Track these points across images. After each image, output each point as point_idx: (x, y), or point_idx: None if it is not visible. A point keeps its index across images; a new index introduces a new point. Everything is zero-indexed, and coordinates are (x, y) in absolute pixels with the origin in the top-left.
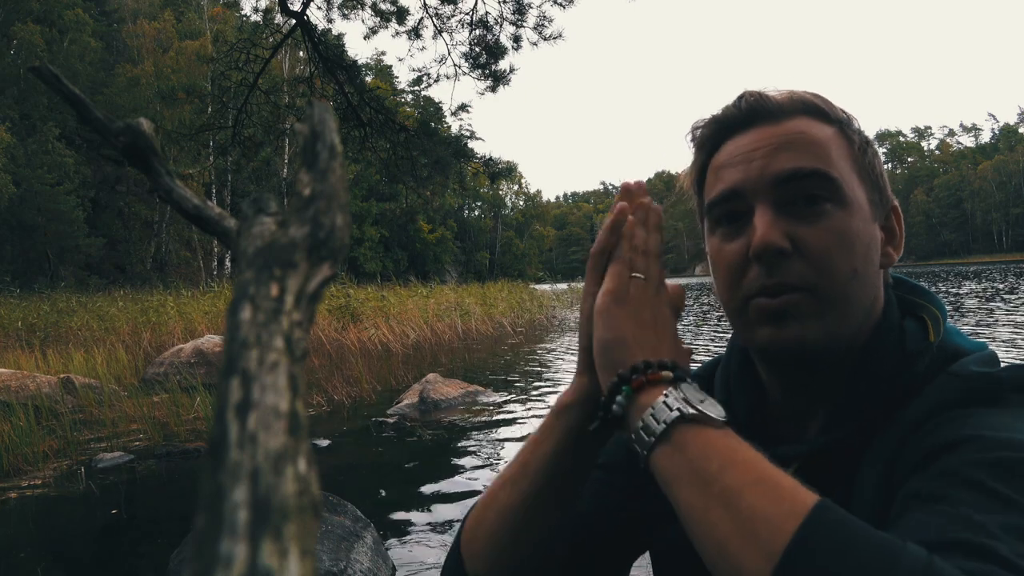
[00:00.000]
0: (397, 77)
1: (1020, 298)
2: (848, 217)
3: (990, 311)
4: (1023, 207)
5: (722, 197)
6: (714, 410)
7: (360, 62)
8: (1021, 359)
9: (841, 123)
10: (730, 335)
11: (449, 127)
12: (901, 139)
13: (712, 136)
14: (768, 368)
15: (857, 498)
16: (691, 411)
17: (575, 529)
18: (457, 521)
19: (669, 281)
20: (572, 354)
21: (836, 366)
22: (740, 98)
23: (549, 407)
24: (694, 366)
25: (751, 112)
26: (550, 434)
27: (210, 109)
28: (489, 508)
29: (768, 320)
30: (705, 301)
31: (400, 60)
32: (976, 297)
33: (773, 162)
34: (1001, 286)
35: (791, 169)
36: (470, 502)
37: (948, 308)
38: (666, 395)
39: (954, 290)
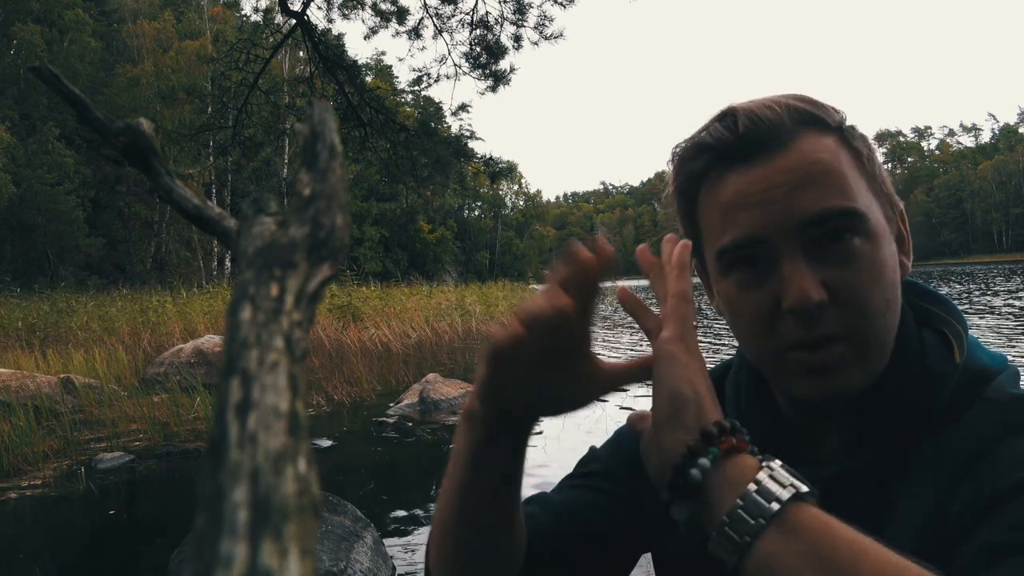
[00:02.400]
0: (397, 77)
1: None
2: (875, 248)
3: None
4: (1023, 207)
5: (737, 244)
6: (807, 485)
7: (360, 62)
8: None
9: (841, 128)
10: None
11: (449, 127)
12: (901, 139)
13: (705, 167)
14: (794, 405)
15: (898, 527)
16: (805, 488)
17: (565, 533)
18: None
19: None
20: None
21: None
22: (729, 118)
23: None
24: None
25: (751, 139)
26: (467, 445)
27: (210, 109)
28: (436, 526)
29: (810, 373)
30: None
31: (400, 60)
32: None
33: (796, 203)
34: (981, 286)
35: (818, 211)
36: None
37: None
38: (770, 468)
39: None
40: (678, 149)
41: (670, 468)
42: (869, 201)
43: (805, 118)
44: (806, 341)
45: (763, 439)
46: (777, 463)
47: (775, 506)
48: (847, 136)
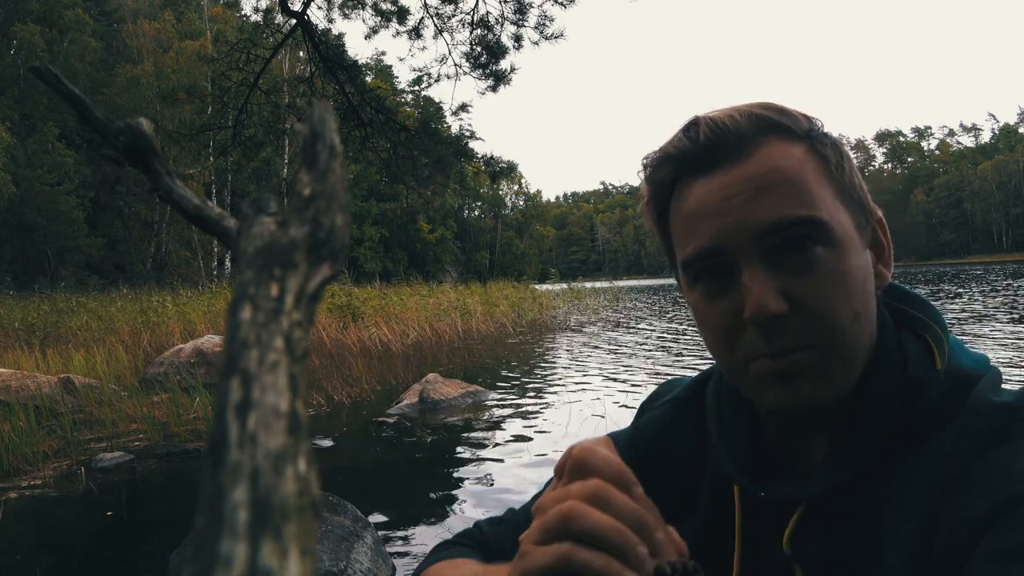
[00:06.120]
0: (397, 77)
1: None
2: (840, 257)
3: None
4: (1023, 207)
5: (699, 255)
6: None
7: (360, 62)
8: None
9: (810, 136)
10: None
11: (449, 127)
12: (901, 139)
13: (671, 177)
14: (769, 415)
15: (888, 538)
16: None
17: None
18: (456, 522)
19: (670, 280)
20: (572, 353)
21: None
22: (692, 128)
23: (547, 407)
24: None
25: (712, 148)
26: None
27: (210, 109)
28: None
29: (774, 381)
30: None
31: (401, 60)
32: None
33: (753, 211)
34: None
35: (774, 219)
36: (469, 502)
37: None
38: None
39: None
40: (647, 160)
41: None
42: (835, 210)
43: (769, 126)
44: (768, 353)
45: (745, 452)
46: None
47: None
48: (815, 144)
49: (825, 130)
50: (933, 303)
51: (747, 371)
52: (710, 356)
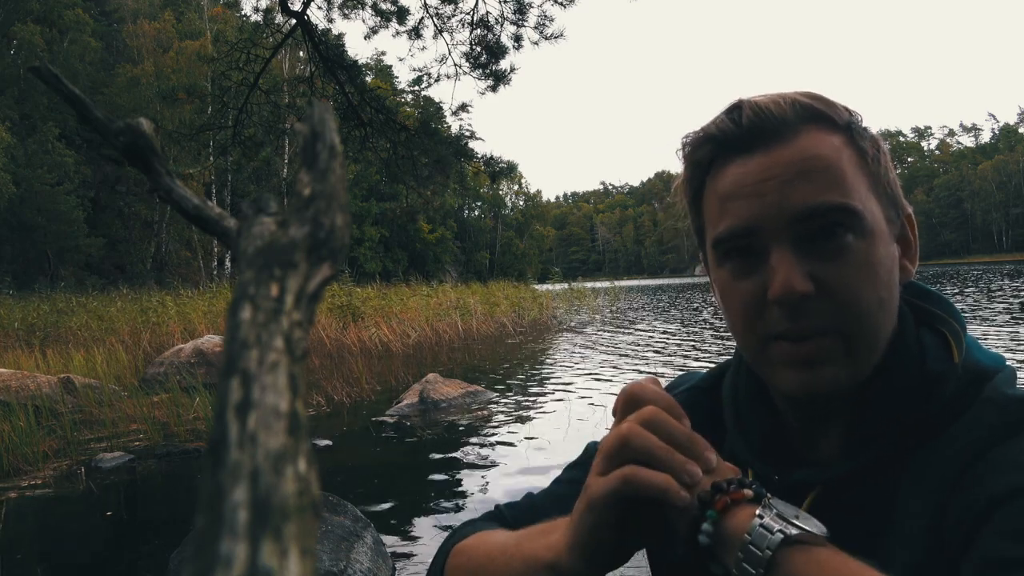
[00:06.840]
0: (397, 77)
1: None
2: (869, 247)
3: None
4: (1023, 207)
5: (732, 234)
6: (811, 524)
7: (360, 62)
8: None
9: (850, 128)
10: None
11: (449, 127)
12: (901, 139)
13: (710, 157)
14: (787, 402)
15: (897, 532)
16: (793, 531)
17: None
18: (456, 522)
19: (670, 280)
20: (572, 353)
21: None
22: (735, 110)
23: (548, 407)
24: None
25: (754, 131)
26: None
27: (210, 109)
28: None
29: (795, 366)
30: (703, 299)
31: (400, 60)
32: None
33: (789, 195)
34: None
35: (811, 205)
36: (469, 502)
37: None
38: (760, 515)
39: None
40: (687, 139)
41: (684, 538)
42: (868, 200)
43: (811, 114)
44: (791, 333)
45: (762, 440)
46: (772, 510)
47: (768, 554)
48: (855, 135)
49: (864, 124)
50: (952, 300)
51: (767, 353)
52: (711, 356)
